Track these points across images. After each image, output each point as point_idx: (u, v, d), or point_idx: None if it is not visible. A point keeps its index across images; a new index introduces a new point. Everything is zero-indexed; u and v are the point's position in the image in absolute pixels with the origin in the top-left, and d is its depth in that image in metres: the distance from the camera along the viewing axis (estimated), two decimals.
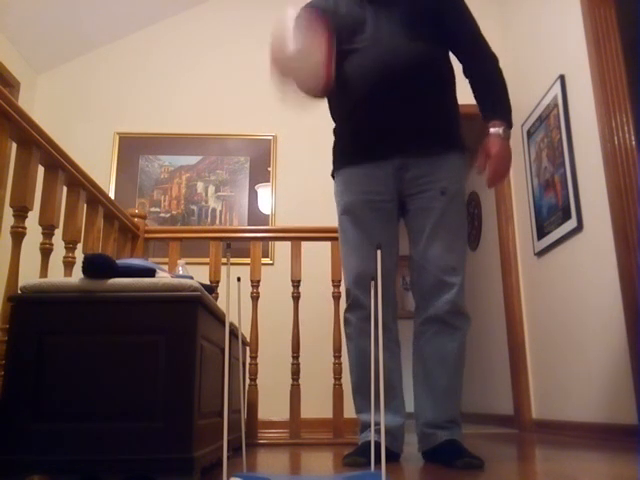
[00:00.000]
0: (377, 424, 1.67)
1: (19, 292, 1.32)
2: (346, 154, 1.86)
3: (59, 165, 1.87)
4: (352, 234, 1.81)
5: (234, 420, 2.06)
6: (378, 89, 1.73)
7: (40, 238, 1.81)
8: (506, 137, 1.75)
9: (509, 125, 1.77)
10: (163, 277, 1.40)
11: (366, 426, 1.78)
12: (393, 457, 1.73)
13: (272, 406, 2.87)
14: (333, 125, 1.95)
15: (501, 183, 1.81)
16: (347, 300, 1.83)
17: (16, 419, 1.21)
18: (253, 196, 4.01)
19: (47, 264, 1.79)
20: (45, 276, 1.75)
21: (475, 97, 1.84)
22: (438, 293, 1.72)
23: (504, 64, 1.89)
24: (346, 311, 1.83)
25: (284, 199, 3.92)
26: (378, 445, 1.63)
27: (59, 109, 4.11)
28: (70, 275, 1.94)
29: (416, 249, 1.79)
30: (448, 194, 1.75)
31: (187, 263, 2.35)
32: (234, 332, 1.93)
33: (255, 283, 2.75)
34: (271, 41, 1.53)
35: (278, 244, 3.72)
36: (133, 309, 1.28)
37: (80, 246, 2.06)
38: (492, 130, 1.74)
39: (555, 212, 3.17)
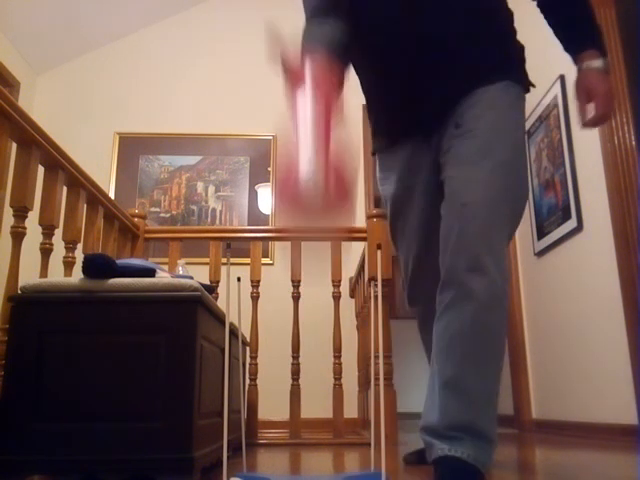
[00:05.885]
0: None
1: (19, 292, 1.32)
2: (379, 135, 1.62)
3: (59, 165, 1.87)
4: (394, 228, 1.64)
5: (234, 420, 2.06)
6: (400, 47, 1.40)
7: (40, 238, 1.81)
8: (607, 70, 1.40)
9: (605, 54, 1.42)
10: (163, 277, 1.40)
11: None
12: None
13: (272, 406, 2.87)
14: None
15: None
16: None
17: (16, 419, 1.21)
18: (253, 196, 4.01)
19: (47, 264, 1.79)
20: (45, 276, 1.75)
21: (554, 28, 1.49)
22: (446, 243, 1.31)
23: None
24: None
25: None
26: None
27: (59, 109, 4.11)
28: (70, 275, 1.94)
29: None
30: (465, 125, 1.35)
31: (187, 263, 2.35)
32: (234, 332, 1.93)
33: (255, 283, 2.75)
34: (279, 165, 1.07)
35: (278, 244, 3.71)
36: (133, 309, 1.28)
37: (80, 246, 2.06)
38: (587, 64, 1.38)
39: (555, 212, 3.17)
